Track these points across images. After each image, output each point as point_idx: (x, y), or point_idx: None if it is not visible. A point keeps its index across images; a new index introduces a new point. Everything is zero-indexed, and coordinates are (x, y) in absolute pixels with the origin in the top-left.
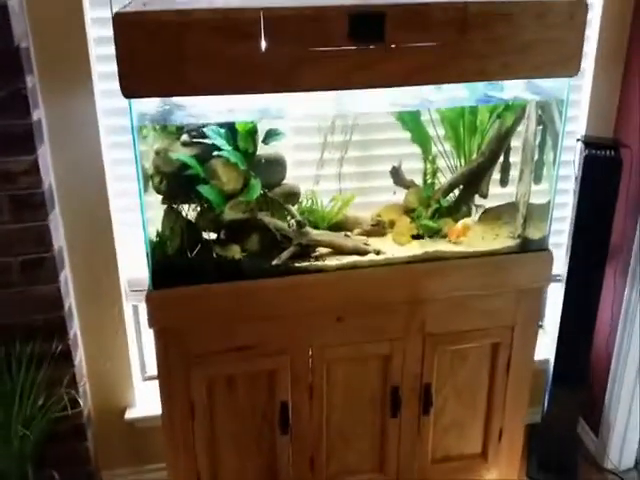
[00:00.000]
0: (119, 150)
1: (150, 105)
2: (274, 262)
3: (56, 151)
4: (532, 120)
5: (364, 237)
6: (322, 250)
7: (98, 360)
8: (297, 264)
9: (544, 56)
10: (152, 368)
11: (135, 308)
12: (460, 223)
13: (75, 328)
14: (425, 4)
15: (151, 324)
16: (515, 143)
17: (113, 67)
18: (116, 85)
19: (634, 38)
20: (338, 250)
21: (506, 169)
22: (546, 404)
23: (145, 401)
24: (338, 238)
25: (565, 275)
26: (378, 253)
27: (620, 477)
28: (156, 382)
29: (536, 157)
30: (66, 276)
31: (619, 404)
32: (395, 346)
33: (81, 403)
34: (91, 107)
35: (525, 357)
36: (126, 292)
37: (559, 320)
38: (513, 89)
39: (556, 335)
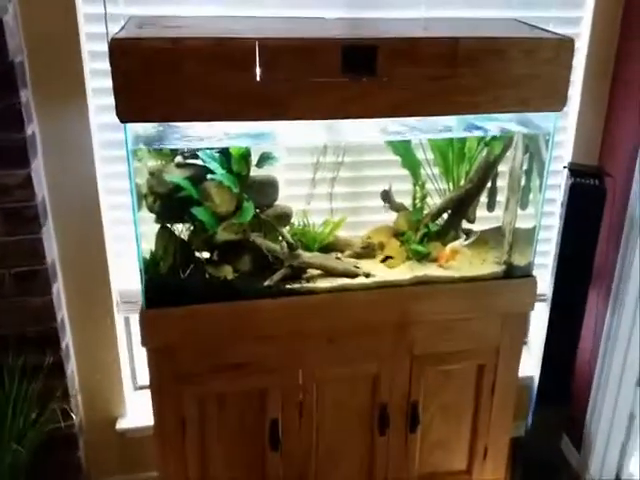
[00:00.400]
0: (112, 164)
1: (145, 127)
2: (266, 283)
3: (50, 165)
4: (519, 150)
5: (354, 259)
6: (313, 272)
7: (90, 371)
8: (288, 285)
9: (532, 91)
10: (143, 378)
11: (127, 319)
12: (448, 247)
13: (67, 340)
14: (416, 38)
15: (144, 343)
16: (502, 168)
17: (107, 82)
18: (110, 100)
19: (619, 68)
20: (329, 272)
21: (493, 194)
22: (530, 420)
23: (136, 411)
24: (329, 261)
25: (550, 296)
26: (368, 276)
27: None
28: (147, 392)
29: (522, 185)
30: (59, 288)
31: (600, 421)
32: (384, 366)
33: (73, 414)
34: (85, 122)
35: (509, 378)
36: (118, 304)
37: (544, 340)
38: (501, 120)
39: (540, 353)
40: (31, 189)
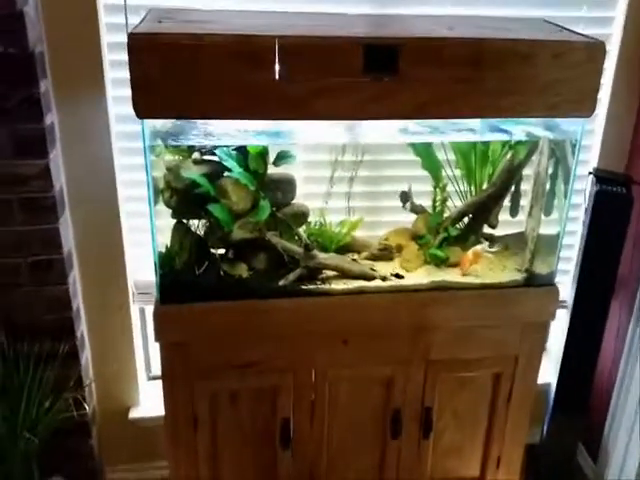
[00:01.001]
0: (130, 156)
1: (163, 122)
2: (281, 283)
3: (68, 155)
4: (544, 154)
5: (371, 261)
6: (329, 273)
7: (104, 360)
8: (303, 286)
9: (559, 96)
10: (157, 368)
11: (142, 310)
12: (471, 251)
13: (82, 329)
14: (440, 39)
15: (157, 338)
16: (527, 172)
17: (126, 74)
18: (129, 91)
19: None
20: (345, 274)
21: (517, 199)
22: (545, 428)
23: (149, 401)
24: (345, 262)
25: (571, 304)
26: (384, 279)
27: None
28: (160, 382)
29: (547, 191)
30: (75, 278)
31: (618, 433)
32: (398, 370)
33: (87, 402)
34: (103, 113)
35: (527, 388)
36: (133, 294)
37: (563, 348)
38: (527, 123)
39: (559, 360)
40: (49, 179)
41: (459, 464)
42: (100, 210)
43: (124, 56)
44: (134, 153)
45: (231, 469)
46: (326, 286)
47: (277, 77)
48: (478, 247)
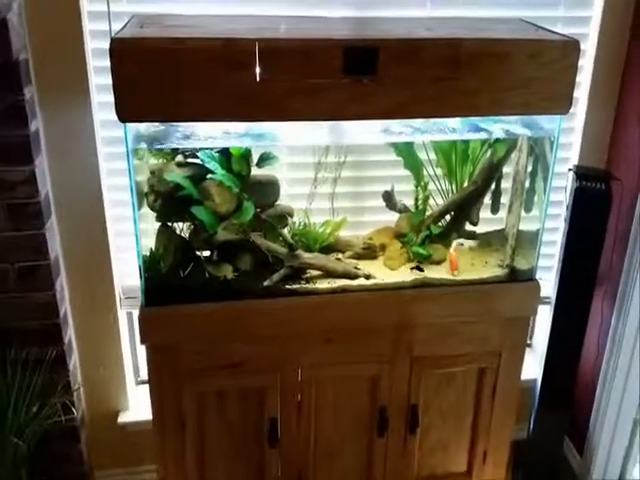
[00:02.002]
0: (115, 161)
1: (145, 126)
2: (265, 283)
3: (53, 161)
4: (524, 152)
5: (355, 260)
6: (313, 272)
7: (92, 365)
8: (288, 286)
9: (535, 94)
10: (146, 372)
11: (129, 315)
12: (452, 251)
13: (70, 334)
14: (418, 40)
15: (143, 340)
16: (507, 169)
17: (111, 80)
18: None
19: (629, 69)
20: (329, 273)
21: (497, 196)
22: (532, 423)
23: (138, 405)
24: (329, 262)
25: (554, 299)
26: (368, 278)
27: None
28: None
29: (527, 188)
30: (62, 283)
31: (604, 426)
32: (383, 368)
33: (75, 407)
34: (89, 118)
35: (511, 382)
36: (121, 299)
37: (547, 343)
38: (506, 122)
39: (544, 356)
40: (35, 185)
41: (446, 460)
42: (86, 215)
43: (108, 62)
44: (119, 158)
45: (219, 469)
46: (310, 285)
47: (258, 79)
48: (453, 245)
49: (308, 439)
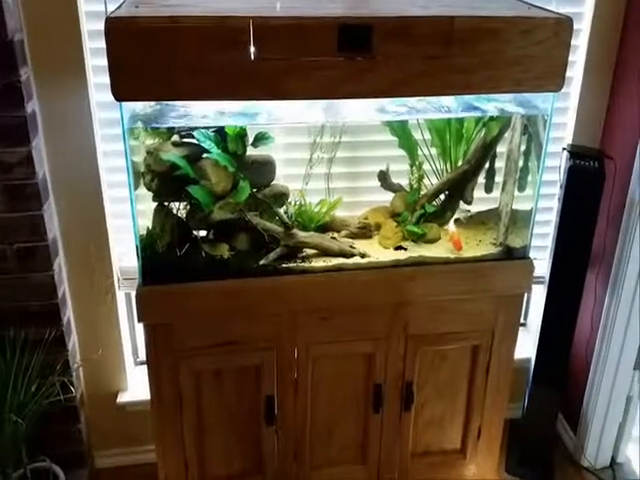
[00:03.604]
0: (113, 142)
1: (142, 105)
2: (262, 262)
3: (50, 142)
4: (517, 131)
5: (350, 239)
6: (309, 251)
7: (91, 346)
8: (284, 265)
9: (528, 72)
10: (144, 353)
11: (128, 296)
12: (453, 231)
13: (69, 314)
14: (412, 17)
15: (140, 319)
16: (501, 149)
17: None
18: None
19: (623, 49)
20: (325, 252)
21: (491, 175)
22: (526, 402)
23: (137, 385)
24: (325, 241)
25: (548, 278)
26: (363, 256)
27: (596, 475)
28: None
29: (520, 167)
30: (60, 264)
31: (597, 403)
32: (378, 345)
33: (74, 388)
34: (85, 100)
35: (505, 359)
36: (119, 280)
37: (540, 322)
38: (500, 100)
39: (537, 335)
40: (32, 166)
41: (440, 437)
42: (84, 196)
43: (104, 43)
44: (116, 139)
45: (217, 446)
46: (306, 264)
47: (252, 58)
48: (451, 224)
49: (305, 416)
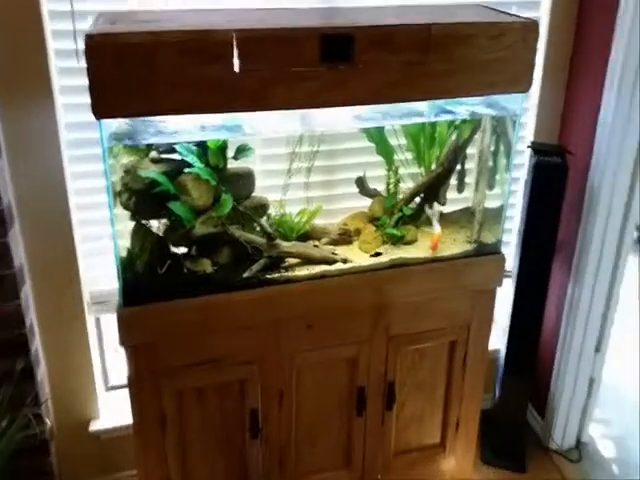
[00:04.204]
0: (80, 163)
1: (117, 123)
2: (245, 274)
3: (15, 165)
4: (487, 132)
5: (332, 246)
6: (291, 261)
7: (61, 374)
8: (268, 275)
9: (500, 74)
10: (115, 378)
11: (97, 320)
12: (437, 232)
13: (37, 344)
14: (392, 25)
15: (122, 341)
16: (471, 151)
17: (75, 81)
18: (78, 99)
19: (576, 51)
20: (307, 260)
21: (462, 176)
22: (497, 392)
23: (109, 412)
24: (307, 249)
25: (515, 271)
26: (345, 262)
27: (564, 456)
28: (119, 392)
29: (490, 166)
30: (27, 292)
31: (564, 387)
32: (361, 349)
33: (45, 419)
34: (52, 121)
35: (480, 352)
36: (88, 304)
37: (510, 314)
38: (469, 103)
39: (507, 327)
40: None
41: (421, 433)
42: (51, 220)
43: (72, 63)
44: (85, 160)
45: (201, 464)
46: (290, 273)
47: (236, 70)
48: (437, 227)
49: (289, 426)
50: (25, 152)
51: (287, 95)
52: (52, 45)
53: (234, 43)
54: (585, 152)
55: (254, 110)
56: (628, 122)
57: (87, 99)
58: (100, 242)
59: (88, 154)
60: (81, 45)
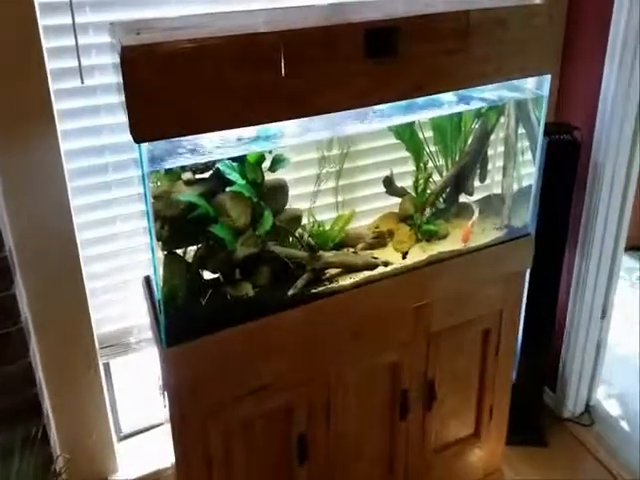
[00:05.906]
0: (85, 195)
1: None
2: (290, 292)
3: (12, 203)
4: (512, 117)
5: (368, 251)
6: (332, 271)
7: (74, 432)
8: (313, 290)
9: (529, 57)
10: (127, 427)
11: (106, 365)
12: (470, 223)
13: (47, 403)
14: (433, 14)
15: (166, 384)
16: (493, 136)
17: (74, 103)
18: (80, 123)
19: (569, 32)
20: (350, 269)
21: (484, 164)
22: (515, 374)
23: (126, 463)
24: (349, 257)
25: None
26: (386, 265)
27: (576, 422)
28: (133, 440)
29: (517, 150)
30: (34, 347)
31: (574, 358)
32: (404, 351)
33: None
34: (54, 151)
35: (511, 337)
36: (98, 351)
37: (526, 295)
38: (492, 90)
39: (524, 308)
40: None
41: (458, 425)
42: (58, 261)
43: (72, 83)
44: (89, 191)
45: None
46: (335, 284)
47: (283, 74)
48: (473, 218)
49: (337, 445)
50: (24, 186)
51: (336, 96)
52: (49, 65)
53: (281, 46)
54: (587, 128)
55: (302, 116)
56: (627, 99)
57: (89, 122)
58: (107, 279)
59: (91, 183)
60: (84, 61)
